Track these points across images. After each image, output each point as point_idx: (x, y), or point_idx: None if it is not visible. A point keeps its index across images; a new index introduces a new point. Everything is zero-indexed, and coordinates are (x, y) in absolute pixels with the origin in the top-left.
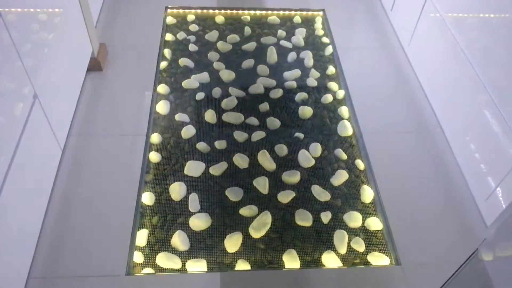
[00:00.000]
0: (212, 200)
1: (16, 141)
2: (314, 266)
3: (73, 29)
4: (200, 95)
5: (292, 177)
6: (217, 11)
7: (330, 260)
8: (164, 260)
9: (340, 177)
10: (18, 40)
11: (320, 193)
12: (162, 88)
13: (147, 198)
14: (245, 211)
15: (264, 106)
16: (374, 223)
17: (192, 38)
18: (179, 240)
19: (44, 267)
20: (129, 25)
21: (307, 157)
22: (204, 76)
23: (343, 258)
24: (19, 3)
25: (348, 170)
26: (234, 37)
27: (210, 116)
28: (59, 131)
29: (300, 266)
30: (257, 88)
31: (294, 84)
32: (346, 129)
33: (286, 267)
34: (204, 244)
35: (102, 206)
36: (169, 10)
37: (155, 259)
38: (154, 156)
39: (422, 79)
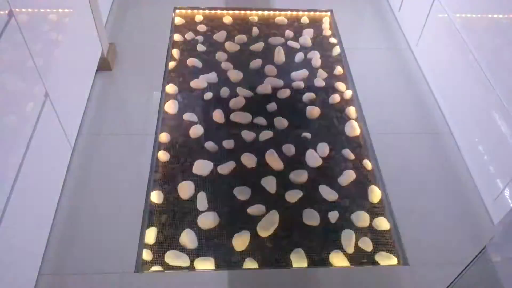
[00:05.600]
0: (220, 199)
1: (27, 139)
2: (322, 266)
3: (83, 29)
4: (208, 95)
5: (300, 176)
6: (225, 11)
7: (337, 259)
8: (172, 258)
9: (348, 177)
10: (30, 40)
11: (328, 193)
12: (171, 88)
13: (156, 197)
14: (253, 210)
15: (272, 106)
16: (382, 223)
17: (200, 38)
18: (187, 238)
19: (55, 264)
20: (138, 25)
21: (314, 157)
22: (212, 76)
23: (350, 258)
24: (31, 3)
25: (355, 170)
26: (242, 38)
27: (218, 115)
28: (70, 130)
29: (308, 265)
30: (264, 88)
31: (301, 84)
32: (353, 129)
33: (293, 266)
34: (212, 243)
35: (111, 204)
36: (177, 11)
37: (163, 257)
38: (163, 155)
39: (430, 80)
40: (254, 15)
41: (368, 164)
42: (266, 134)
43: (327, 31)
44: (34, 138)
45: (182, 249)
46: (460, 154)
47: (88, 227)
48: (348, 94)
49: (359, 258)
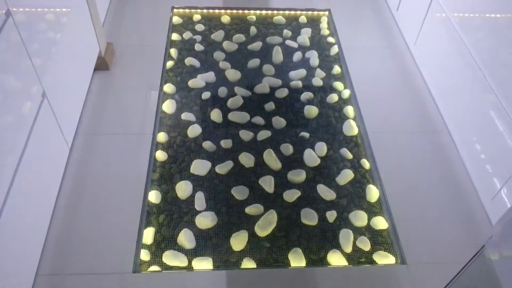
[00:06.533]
0: (218, 199)
1: (25, 139)
2: (320, 265)
3: (81, 29)
4: (206, 94)
5: (298, 176)
6: (223, 11)
7: (335, 259)
8: (170, 258)
9: (346, 176)
10: (27, 39)
11: (326, 192)
12: (169, 87)
13: (154, 197)
14: (250, 209)
15: (270, 106)
16: (380, 222)
17: (198, 37)
18: (185, 238)
19: (52, 264)
20: (135, 24)
21: (312, 156)
22: (210, 76)
23: (348, 257)
24: (28, 2)
25: (353, 169)
26: (240, 37)
27: (216, 115)
28: (67, 129)
29: (306, 264)
30: (262, 87)
31: (299, 83)
32: (351, 128)
33: (291, 265)
34: (210, 243)
35: (109, 204)
36: (175, 10)
37: (161, 257)
38: (161, 155)
39: (428, 79)
40: (252, 15)
41: (366, 163)
42: (264, 134)
43: (325, 31)
44: (31, 138)
45: (180, 249)
46: (458, 153)
47: (85, 227)
48: (346, 93)
49: (357, 257)
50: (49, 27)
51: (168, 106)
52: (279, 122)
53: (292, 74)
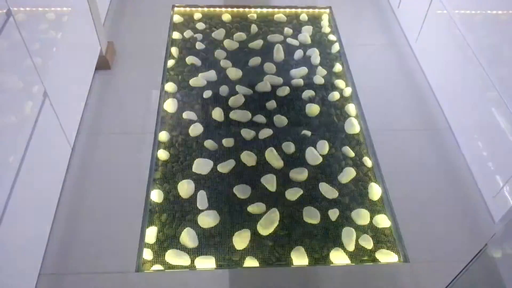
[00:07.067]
0: (220, 198)
1: (26, 139)
2: (322, 263)
3: (82, 28)
4: (207, 93)
5: (300, 174)
6: (223, 9)
7: (338, 257)
8: (173, 257)
9: (348, 175)
10: (28, 39)
11: (328, 191)
12: (170, 86)
13: (156, 196)
14: (253, 208)
15: (271, 104)
16: (382, 221)
17: (199, 36)
18: (187, 237)
19: (55, 263)
20: (136, 23)
21: (314, 155)
22: (211, 74)
23: (351, 255)
24: (29, 2)
25: (355, 167)
26: (240, 35)
27: (217, 114)
28: (69, 129)
29: (308, 263)
30: (264, 86)
31: (301, 81)
32: (353, 126)
33: (294, 264)
34: (213, 241)
35: (111, 203)
36: (176, 9)
37: (164, 256)
38: (162, 154)
39: (430, 77)
40: (252, 13)
41: (368, 161)
42: (266, 132)
43: (326, 28)
44: (33, 138)
45: (183, 248)
46: (460, 150)
47: (88, 227)
48: (348, 91)
49: (359, 255)
50: (50, 26)
51: (170, 105)
52: (281, 120)
53: (294, 72)
